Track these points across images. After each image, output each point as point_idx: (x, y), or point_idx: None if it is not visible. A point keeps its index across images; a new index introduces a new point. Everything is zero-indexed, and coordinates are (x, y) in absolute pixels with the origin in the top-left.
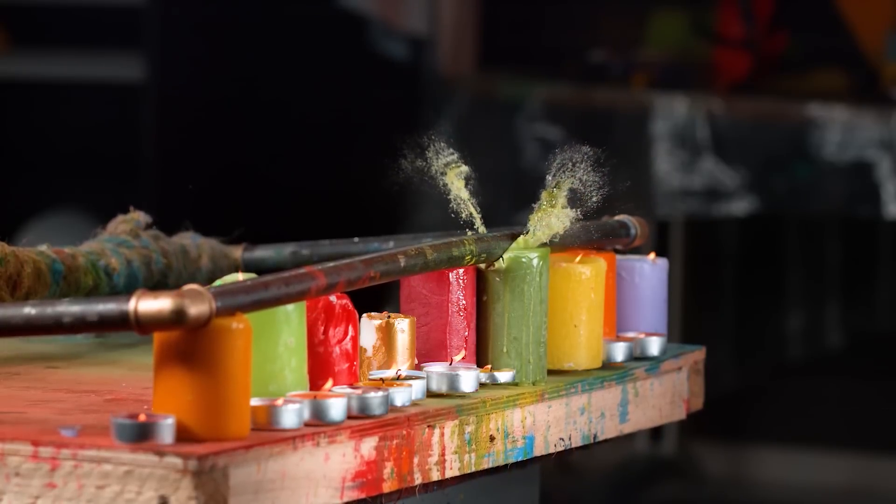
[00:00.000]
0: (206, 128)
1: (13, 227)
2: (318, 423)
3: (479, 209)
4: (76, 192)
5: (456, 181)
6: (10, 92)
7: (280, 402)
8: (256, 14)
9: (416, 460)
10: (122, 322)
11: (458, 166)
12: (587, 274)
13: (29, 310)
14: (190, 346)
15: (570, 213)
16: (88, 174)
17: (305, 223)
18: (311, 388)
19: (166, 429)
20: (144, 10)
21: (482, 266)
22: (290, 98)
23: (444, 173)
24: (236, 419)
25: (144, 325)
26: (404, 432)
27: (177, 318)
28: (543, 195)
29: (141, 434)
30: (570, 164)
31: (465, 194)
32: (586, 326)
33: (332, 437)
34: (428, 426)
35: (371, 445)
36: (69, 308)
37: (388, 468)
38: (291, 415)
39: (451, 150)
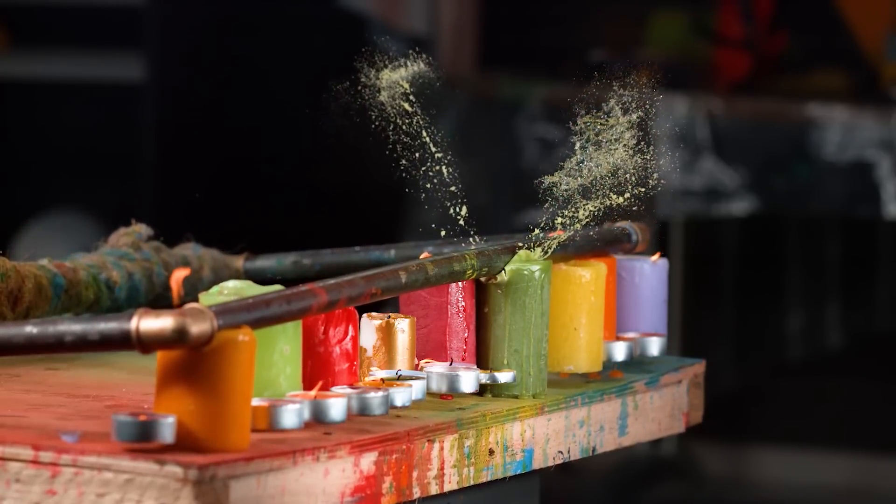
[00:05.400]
0: (206, 128)
1: (14, 227)
2: (319, 423)
3: (425, 118)
4: (76, 193)
5: (390, 74)
6: (11, 92)
7: (280, 402)
8: (256, 14)
9: (415, 474)
10: (125, 341)
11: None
12: (587, 277)
13: (31, 329)
14: (194, 356)
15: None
16: (89, 174)
17: (305, 222)
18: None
19: (167, 427)
20: (144, 10)
21: (483, 279)
22: (290, 98)
23: (378, 79)
24: (237, 431)
25: (146, 344)
26: (404, 447)
27: (178, 337)
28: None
29: (141, 433)
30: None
31: (403, 82)
32: (586, 329)
33: (331, 451)
34: (427, 440)
35: (370, 460)
36: (71, 327)
37: (388, 482)
38: (291, 415)
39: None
